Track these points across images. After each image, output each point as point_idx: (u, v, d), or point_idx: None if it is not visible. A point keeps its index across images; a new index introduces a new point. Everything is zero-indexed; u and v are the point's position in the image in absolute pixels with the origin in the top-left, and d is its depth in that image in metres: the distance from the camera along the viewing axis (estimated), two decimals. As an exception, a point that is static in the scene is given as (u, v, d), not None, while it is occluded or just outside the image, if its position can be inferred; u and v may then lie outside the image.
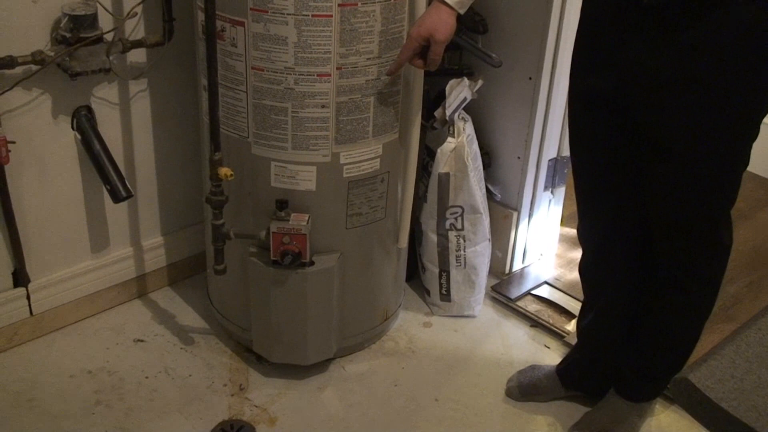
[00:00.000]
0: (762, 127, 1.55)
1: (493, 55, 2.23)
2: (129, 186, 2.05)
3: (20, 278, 2.12)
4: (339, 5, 1.71)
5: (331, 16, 1.72)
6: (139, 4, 2.01)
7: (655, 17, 1.47)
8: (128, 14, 2.00)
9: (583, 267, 1.95)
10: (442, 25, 1.67)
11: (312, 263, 1.93)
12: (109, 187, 2.03)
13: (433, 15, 1.67)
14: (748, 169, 1.61)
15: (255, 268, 1.96)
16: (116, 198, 2.04)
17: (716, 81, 1.47)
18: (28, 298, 2.14)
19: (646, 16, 1.48)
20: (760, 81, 1.47)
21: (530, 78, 2.30)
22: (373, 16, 1.75)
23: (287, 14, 1.71)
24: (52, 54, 1.89)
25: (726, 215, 1.66)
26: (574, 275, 2.53)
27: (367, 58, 1.80)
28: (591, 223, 1.87)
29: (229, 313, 2.18)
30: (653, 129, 1.58)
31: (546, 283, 2.54)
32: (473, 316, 2.40)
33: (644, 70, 1.52)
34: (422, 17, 1.70)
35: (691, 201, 1.61)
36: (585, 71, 1.68)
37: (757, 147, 1.58)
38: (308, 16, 1.71)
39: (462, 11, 1.68)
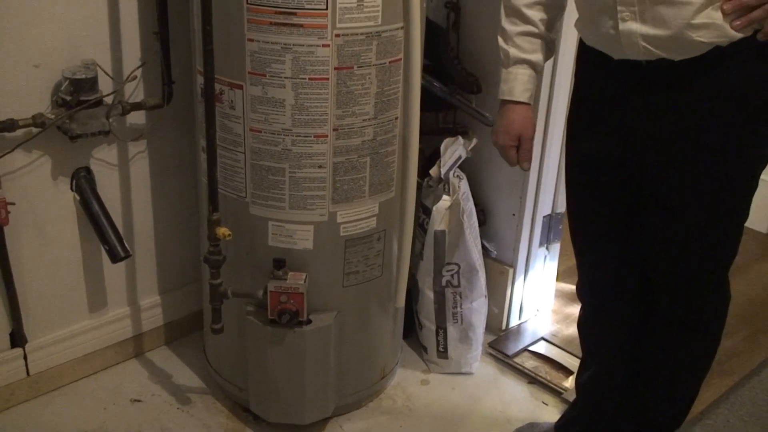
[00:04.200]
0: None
1: (487, 115, 2.27)
2: (127, 246, 2.06)
3: (17, 338, 2.11)
4: (335, 68, 1.75)
5: (328, 79, 1.75)
6: (138, 67, 2.05)
7: (653, 80, 1.50)
8: (128, 77, 2.04)
9: (582, 323, 1.96)
10: (527, 120, 1.71)
11: (309, 322, 1.94)
12: (107, 248, 2.05)
13: (514, 114, 1.70)
14: (741, 223, 1.63)
15: (252, 327, 1.96)
16: (114, 258, 2.05)
17: (716, 138, 1.49)
18: (25, 358, 2.14)
19: (645, 79, 1.51)
20: (758, 137, 1.50)
21: (524, 136, 2.33)
22: (369, 78, 1.79)
23: (285, 77, 1.74)
24: (53, 117, 1.92)
25: (727, 269, 1.68)
26: (571, 331, 2.54)
27: (363, 119, 1.83)
28: (590, 279, 1.88)
29: (226, 373, 2.18)
30: (656, 187, 1.59)
31: (543, 339, 2.54)
32: (470, 373, 2.40)
33: (645, 131, 1.54)
34: (502, 121, 1.72)
35: (694, 256, 1.62)
36: (583, 135, 1.70)
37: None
38: (305, 79, 1.74)
39: (532, 102, 1.72)
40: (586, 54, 1.64)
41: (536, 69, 1.70)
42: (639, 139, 1.56)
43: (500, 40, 1.71)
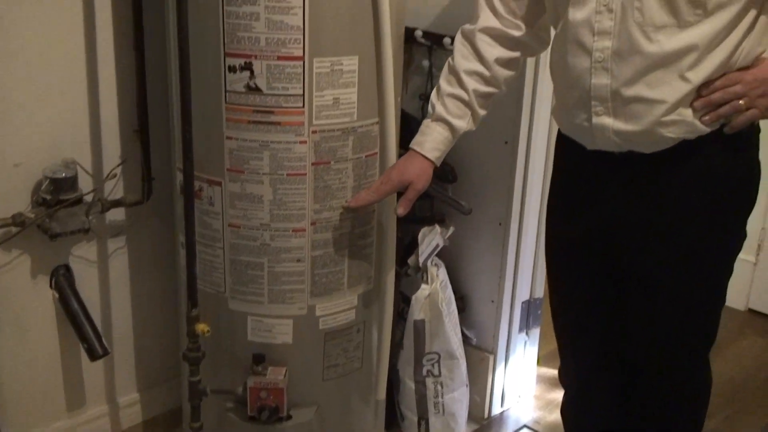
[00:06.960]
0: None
1: (463, 203, 2.30)
2: (105, 344, 2.05)
3: (-7, 439, 2.08)
4: (312, 164, 1.78)
5: (305, 174, 1.78)
6: (118, 165, 2.07)
7: (626, 169, 1.54)
8: (108, 175, 2.06)
9: (566, 407, 1.95)
10: (424, 175, 1.72)
11: (290, 417, 1.91)
12: (86, 346, 2.03)
13: (416, 164, 1.71)
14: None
15: (232, 424, 1.94)
16: (93, 356, 2.03)
17: (689, 225, 1.53)
18: (1, 460, 2.10)
19: (619, 168, 1.55)
20: (729, 223, 1.55)
21: (500, 223, 2.36)
22: (346, 172, 1.82)
23: (263, 174, 1.77)
24: (33, 216, 1.93)
25: (707, 353, 1.69)
26: (554, 417, 2.53)
27: (341, 213, 1.85)
28: (573, 363, 1.88)
29: (206, 470, 2.14)
30: (637, 265, 1.62)
31: (526, 426, 2.52)
32: (454, 464, 2.37)
33: (622, 216, 1.58)
34: (403, 164, 1.73)
35: (675, 338, 1.64)
36: (562, 218, 1.74)
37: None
38: (283, 175, 1.77)
39: (438, 164, 1.74)
40: (563, 141, 1.68)
41: (454, 133, 1.71)
42: (618, 224, 1.59)
43: (433, 92, 1.73)
